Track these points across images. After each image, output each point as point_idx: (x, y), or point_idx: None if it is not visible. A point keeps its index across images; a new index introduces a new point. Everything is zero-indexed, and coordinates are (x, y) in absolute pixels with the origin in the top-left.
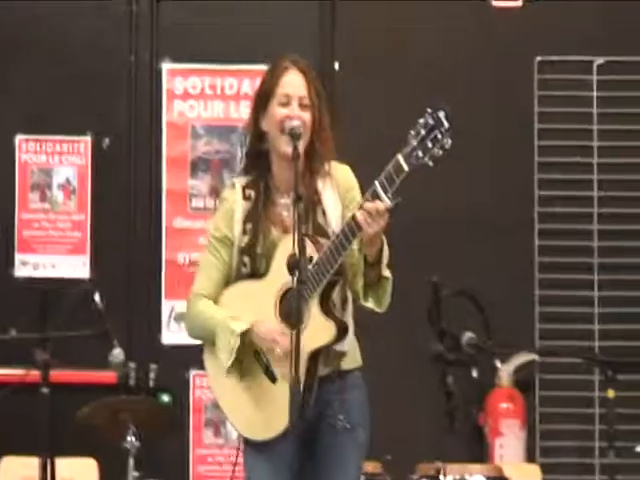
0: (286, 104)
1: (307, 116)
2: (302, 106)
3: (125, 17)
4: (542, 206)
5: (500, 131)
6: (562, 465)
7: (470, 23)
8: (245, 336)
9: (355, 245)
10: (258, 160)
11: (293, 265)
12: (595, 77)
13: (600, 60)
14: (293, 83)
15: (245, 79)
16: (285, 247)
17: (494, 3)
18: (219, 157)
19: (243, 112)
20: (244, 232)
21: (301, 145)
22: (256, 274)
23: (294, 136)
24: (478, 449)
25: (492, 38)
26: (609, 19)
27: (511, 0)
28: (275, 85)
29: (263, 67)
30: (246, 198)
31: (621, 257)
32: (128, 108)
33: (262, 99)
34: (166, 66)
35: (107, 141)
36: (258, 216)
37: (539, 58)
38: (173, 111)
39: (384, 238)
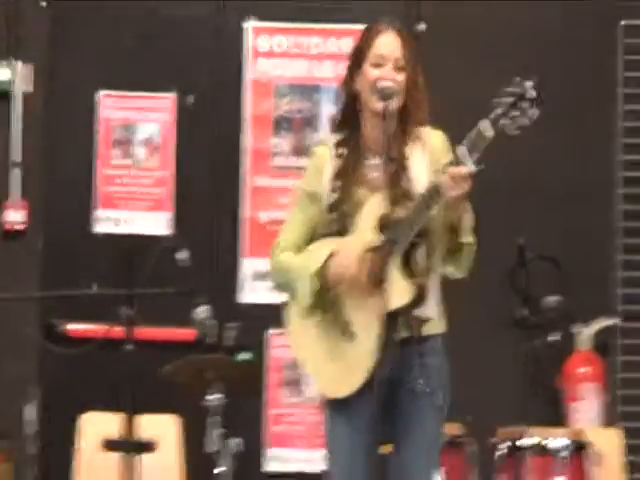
0: (380, 65)
1: (401, 78)
2: (397, 68)
3: None
4: (626, 170)
5: (584, 95)
6: None
7: None
8: (324, 270)
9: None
10: (351, 119)
11: (384, 225)
12: None
13: None
14: (388, 45)
15: (330, 38)
16: (371, 206)
17: None
18: (301, 116)
19: (326, 71)
20: (333, 189)
21: (394, 104)
22: (342, 232)
23: (385, 96)
24: (557, 412)
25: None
26: None
27: None
28: (370, 45)
29: (347, 26)
30: (337, 155)
31: None
32: (212, 66)
33: (356, 58)
34: (251, 24)
35: (191, 98)
36: (348, 174)
37: (624, 22)
38: (257, 69)
39: (468, 203)
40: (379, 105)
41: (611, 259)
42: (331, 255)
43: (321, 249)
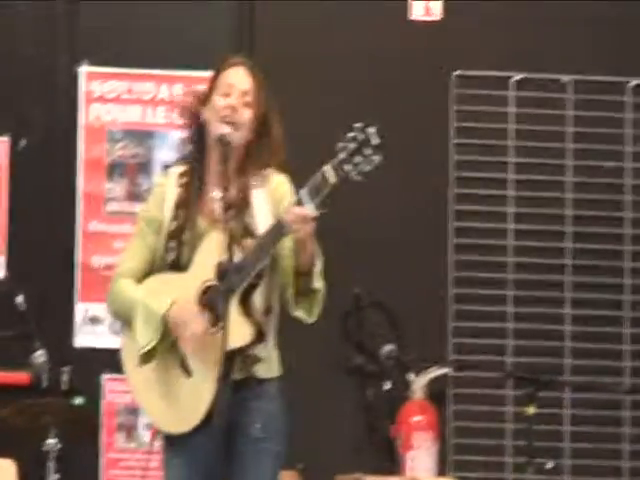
0: (228, 94)
1: (247, 113)
2: (244, 102)
3: (45, 18)
4: (458, 220)
5: (416, 145)
6: None
7: (388, 37)
8: (165, 317)
9: (288, 251)
10: (195, 151)
11: (222, 272)
12: (512, 93)
13: (517, 76)
14: (237, 76)
15: (163, 84)
16: (209, 244)
17: (412, 17)
18: (136, 161)
19: (160, 117)
20: (174, 217)
21: (237, 138)
22: (179, 263)
23: (223, 142)
24: (393, 461)
25: (410, 52)
26: (526, 35)
27: (429, 15)
28: (219, 76)
29: (180, 73)
30: (179, 185)
31: (535, 274)
32: (45, 110)
33: (206, 90)
34: (84, 69)
35: (24, 142)
36: (189, 203)
37: (457, 73)
38: (90, 114)
39: (317, 248)
40: (223, 130)
41: (444, 309)
42: (172, 303)
43: (160, 291)
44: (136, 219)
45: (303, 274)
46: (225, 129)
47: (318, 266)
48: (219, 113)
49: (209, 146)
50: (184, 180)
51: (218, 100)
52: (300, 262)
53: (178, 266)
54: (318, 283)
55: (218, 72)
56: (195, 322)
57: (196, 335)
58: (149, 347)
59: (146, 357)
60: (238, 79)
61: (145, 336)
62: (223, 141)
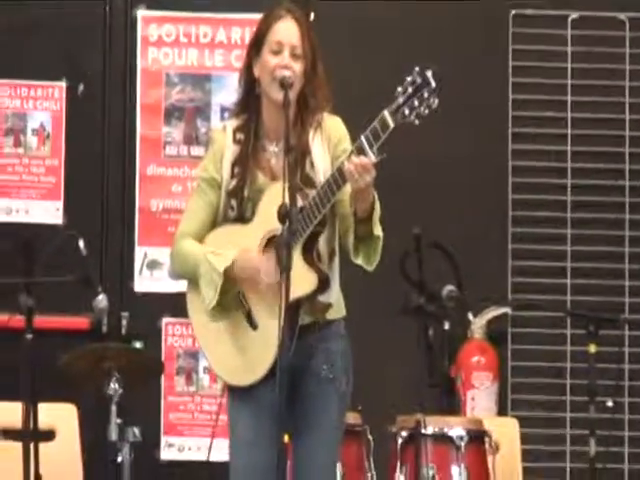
0: (278, 52)
1: (298, 66)
2: (294, 56)
3: None
4: (515, 160)
5: (475, 85)
6: (533, 419)
7: None
8: (228, 272)
9: (347, 197)
10: (250, 104)
11: (284, 214)
12: (570, 32)
13: (574, 15)
14: (286, 31)
15: (219, 27)
16: (271, 194)
17: None
18: (193, 105)
19: (217, 60)
20: (232, 175)
21: (292, 94)
22: (242, 218)
23: (285, 85)
24: (452, 401)
25: None
26: None
27: None
28: (268, 32)
29: (237, 16)
30: (236, 141)
31: (593, 213)
32: (102, 54)
33: (255, 44)
34: (141, 13)
35: (82, 87)
36: (247, 160)
37: (514, 12)
38: (147, 58)
39: (375, 195)
40: (279, 94)
41: (503, 248)
42: (235, 258)
43: (225, 246)
44: (195, 177)
45: (363, 221)
46: (285, 72)
47: (377, 213)
48: (272, 73)
49: (262, 101)
50: (240, 136)
51: (269, 58)
52: (359, 209)
53: (241, 222)
54: (377, 230)
55: (266, 25)
56: (259, 272)
57: (260, 285)
58: (212, 304)
59: (214, 314)
60: (287, 34)
61: (209, 294)
62: (285, 84)
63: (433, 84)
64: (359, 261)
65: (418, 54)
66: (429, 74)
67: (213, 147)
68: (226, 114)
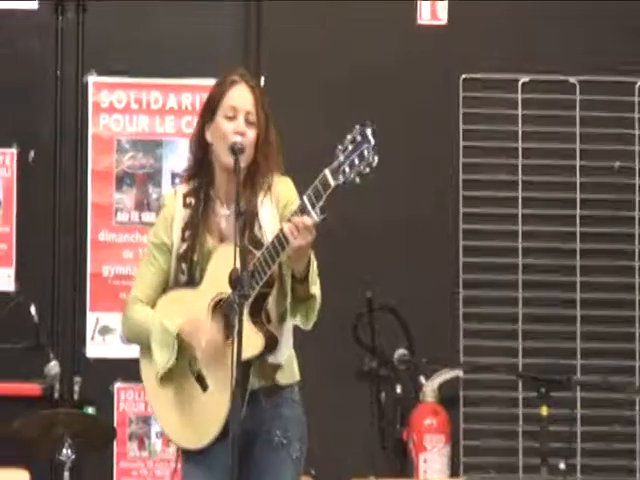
0: (232, 117)
1: (252, 133)
2: (248, 122)
3: (51, 29)
4: (466, 223)
5: (426, 149)
6: None
7: (396, 41)
8: (179, 337)
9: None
10: (201, 169)
11: (234, 280)
12: (520, 95)
13: (525, 78)
14: (241, 97)
15: (170, 94)
16: (218, 257)
17: (419, 21)
18: (144, 171)
19: (168, 126)
20: (183, 239)
21: (243, 160)
22: (193, 281)
23: (235, 151)
24: (404, 464)
25: (418, 55)
26: (531, 38)
27: (436, 19)
28: (222, 97)
29: (188, 81)
30: (186, 205)
31: (544, 275)
32: (54, 120)
33: (209, 109)
34: (92, 79)
35: (32, 153)
36: (197, 224)
37: (464, 76)
38: (99, 124)
39: (312, 255)
40: (230, 159)
41: (454, 312)
42: (183, 323)
43: (173, 312)
44: (146, 243)
45: (300, 281)
46: (237, 138)
47: (314, 273)
48: (226, 138)
49: (214, 166)
50: (190, 200)
51: (224, 123)
52: (296, 269)
53: (192, 285)
54: (314, 289)
55: (221, 91)
56: (208, 334)
57: (210, 347)
58: (169, 365)
59: (164, 379)
60: (242, 100)
61: (162, 357)
62: (236, 149)
63: (372, 142)
64: (297, 321)
65: (367, 117)
66: (369, 132)
67: (164, 212)
68: (177, 180)
